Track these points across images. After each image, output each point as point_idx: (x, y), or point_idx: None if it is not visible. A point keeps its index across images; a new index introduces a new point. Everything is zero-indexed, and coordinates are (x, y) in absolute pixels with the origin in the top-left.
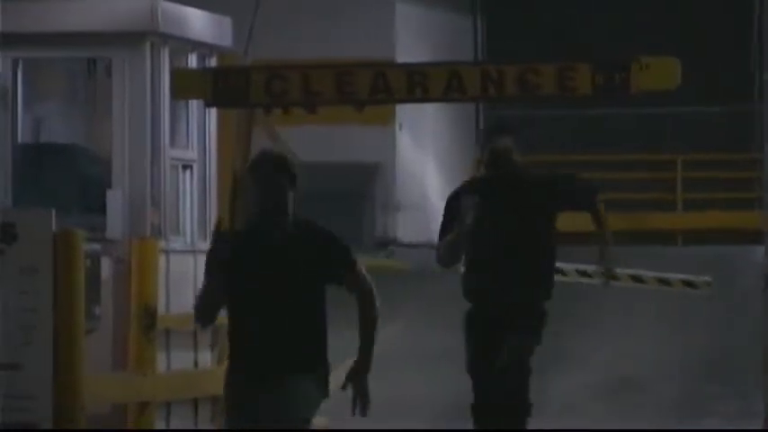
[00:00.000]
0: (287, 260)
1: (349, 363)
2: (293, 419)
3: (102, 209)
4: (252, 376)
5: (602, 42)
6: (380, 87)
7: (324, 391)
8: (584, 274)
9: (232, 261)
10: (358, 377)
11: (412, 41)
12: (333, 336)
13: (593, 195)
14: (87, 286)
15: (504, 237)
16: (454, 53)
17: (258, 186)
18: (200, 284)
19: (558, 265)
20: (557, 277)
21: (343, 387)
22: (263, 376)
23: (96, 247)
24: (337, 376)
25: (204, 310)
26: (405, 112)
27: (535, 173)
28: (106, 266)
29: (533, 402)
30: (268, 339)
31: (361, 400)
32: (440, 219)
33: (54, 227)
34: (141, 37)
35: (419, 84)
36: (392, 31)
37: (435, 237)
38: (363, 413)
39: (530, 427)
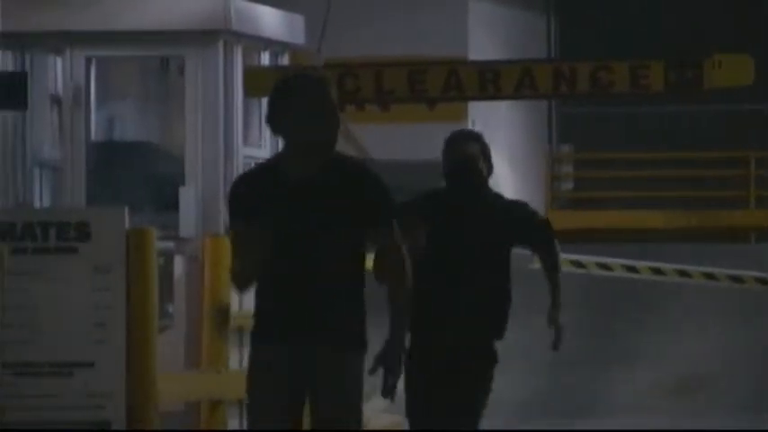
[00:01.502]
0: (321, 204)
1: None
2: (344, 404)
3: (175, 207)
4: (278, 343)
5: (675, 39)
6: (452, 85)
7: (361, 366)
8: (658, 271)
9: (257, 204)
10: (389, 355)
11: (485, 39)
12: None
13: (552, 235)
14: (160, 284)
15: (460, 265)
16: (527, 51)
17: (299, 109)
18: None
19: (631, 262)
20: (630, 274)
21: (372, 370)
22: (292, 346)
23: (169, 244)
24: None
25: (237, 266)
26: (477, 109)
27: (494, 193)
28: (179, 264)
29: (602, 400)
30: (298, 300)
31: (389, 379)
32: None
33: (127, 225)
34: (214, 35)
35: (491, 81)
36: (465, 28)
37: None
38: (387, 394)
39: (590, 425)
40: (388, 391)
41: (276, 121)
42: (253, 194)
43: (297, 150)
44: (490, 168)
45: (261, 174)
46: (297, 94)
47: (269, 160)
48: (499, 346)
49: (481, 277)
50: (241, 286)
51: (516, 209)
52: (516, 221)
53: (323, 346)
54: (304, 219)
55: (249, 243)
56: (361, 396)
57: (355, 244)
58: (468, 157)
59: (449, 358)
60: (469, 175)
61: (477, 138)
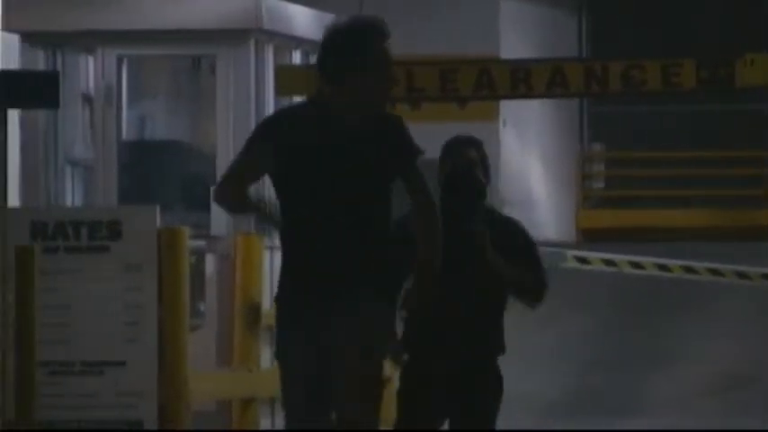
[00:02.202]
0: (354, 148)
1: None
2: (366, 350)
3: (207, 206)
4: (309, 291)
5: (706, 38)
6: (484, 83)
7: (393, 319)
8: (690, 270)
9: (284, 144)
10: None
11: (516, 38)
12: None
13: (539, 258)
14: (192, 283)
15: (463, 282)
16: (558, 49)
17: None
18: None
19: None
20: (662, 273)
21: (405, 304)
22: (323, 292)
23: (201, 243)
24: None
25: (228, 179)
26: (509, 108)
27: (487, 205)
28: (210, 263)
29: (635, 400)
30: (329, 245)
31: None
32: (545, 216)
33: (159, 224)
34: (246, 34)
35: (523, 80)
36: (496, 27)
37: (540, 233)
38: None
39: (633, 424)
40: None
41: (334, 67)
42: (291, 133)
43: (351, 100)
44: (488, 178)
45: (305, 115)
46: (365, 45)
47: (315, 102)
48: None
49: (479, 290)
50: (225, 194)
51: (510, 224)
52: (507, 237)
53: (351, 296)
54: (340, 168)
55: (260, 165)
56: (384, 352)
57: (387, 195)
58: (468, 162)
59: (449, 377)
60: (469, 181)
61: (477, 145)
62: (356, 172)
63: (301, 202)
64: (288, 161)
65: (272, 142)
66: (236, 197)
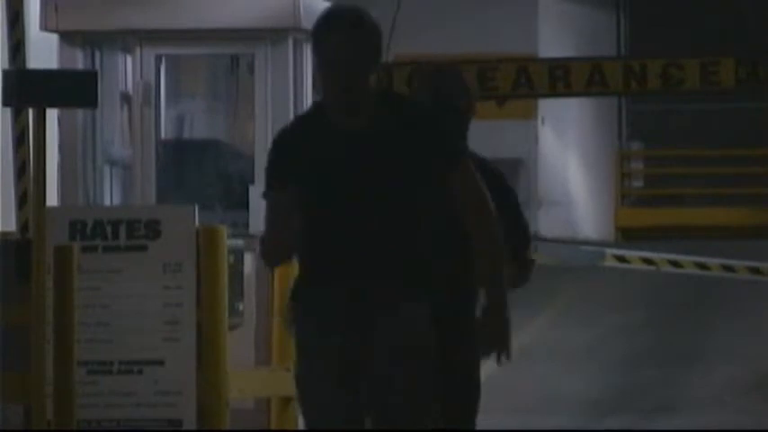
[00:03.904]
0: (373, 149)
1: None
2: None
3: (245, 204)
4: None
5: (745, 37)
6: (522, 82)
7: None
8: (729, 269)
9: (299, 159)
10: (494, 318)
11: (554, 36)
12: None
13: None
14: (230, 282)
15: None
16: (596, 48)
17: (326, 55)
18: None
19: (705, 260)
20: (702, 271)
21: (480, 338)
22: (351, 307)
23: (239, 242)
24: None
25: (273, 237)
26: (547, 106)
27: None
28: (249, 262)
29: (676, 398)
30: (353, 256)
31: (499, 343)
32: (584, 215)
33: (197, 223)
34: (283, 33)
35: (561, 78)
36: (535, 26)
37: (579, 232)
38: (504, 358)
39: (674, 423)
40: (504, 356)
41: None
42: (301, 151)
43: (332, 99)
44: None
45: (306, 128)
46: (317, 39)
47: (310, 111)
48: (573, 342)
49: None
50: (278, 258)
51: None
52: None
53: (384, 305)
54: (360, 173)
55: (292, 207)
56: (427, 356)
57: (412, 192)
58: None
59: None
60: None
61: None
62: (373, 179)
63: (315, 216)
64: (302, 186)
65: (285, 176)
66: (287, 257)
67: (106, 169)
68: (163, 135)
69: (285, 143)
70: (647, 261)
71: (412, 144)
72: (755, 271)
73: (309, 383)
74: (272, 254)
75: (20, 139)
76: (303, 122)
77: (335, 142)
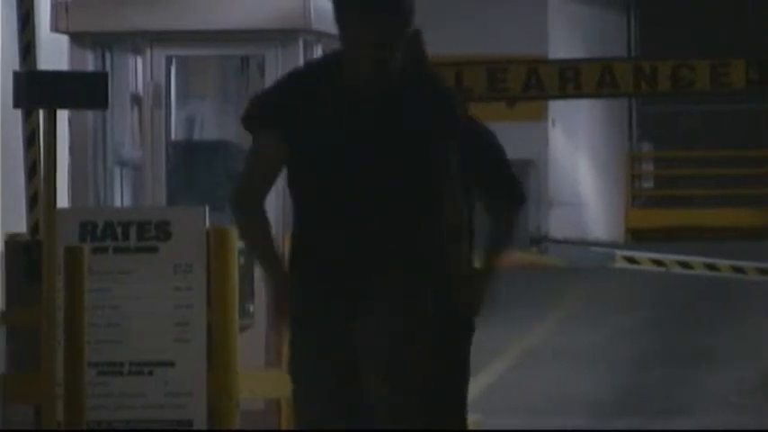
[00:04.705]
0: (387, 115)
1: None
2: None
3: None
4: (334, 285)
5: (756, 38)
6: (532, 83)
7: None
8: (738, 270)
9: (300, 115)
10: (478, 283)
11: (564, 37)
12: None
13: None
14: (241, 283)
15: None
16: (607, 49)
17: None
18: None
19: (714, 261)
20: (711, 272)
21: (456, 295)
22: (358, 286)
23: None
24: None
25: (250, 180)
26: (557, 107)
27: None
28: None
29: (685, 398)
30: (353, 256)
31: (471, 310)
32: (594, 216)
33: (207, 224)
34: (294, 34)
35: (571, 79)
36: (545, 26)
37: (589, 233)
38: (472, 312)
39: (684, 423)
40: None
41: (336, 19)
42: (305, 103)
43: (358, 53)
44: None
45: (316, 79)
46: None
47: (327, 62)
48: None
49: None
50: (246, 205)
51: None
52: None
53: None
54: (371, 138)
55: (279, 157)
56: (428, 342)
57: (428, 161)
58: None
59: None
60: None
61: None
62: (381, 145)
63: (319, 180)
64: (296, 136)
65: (282, 122)
66: (255, 207)
67: (116, 170)
68: (173, 136)
69: (295, 86)
70: (657, 262)
71: (426, 117)
72: (765, 272)
73: (305, 382)
74: (243, 203)
75: (30, 141)
76: (318, 72)
77: (347, 103)
